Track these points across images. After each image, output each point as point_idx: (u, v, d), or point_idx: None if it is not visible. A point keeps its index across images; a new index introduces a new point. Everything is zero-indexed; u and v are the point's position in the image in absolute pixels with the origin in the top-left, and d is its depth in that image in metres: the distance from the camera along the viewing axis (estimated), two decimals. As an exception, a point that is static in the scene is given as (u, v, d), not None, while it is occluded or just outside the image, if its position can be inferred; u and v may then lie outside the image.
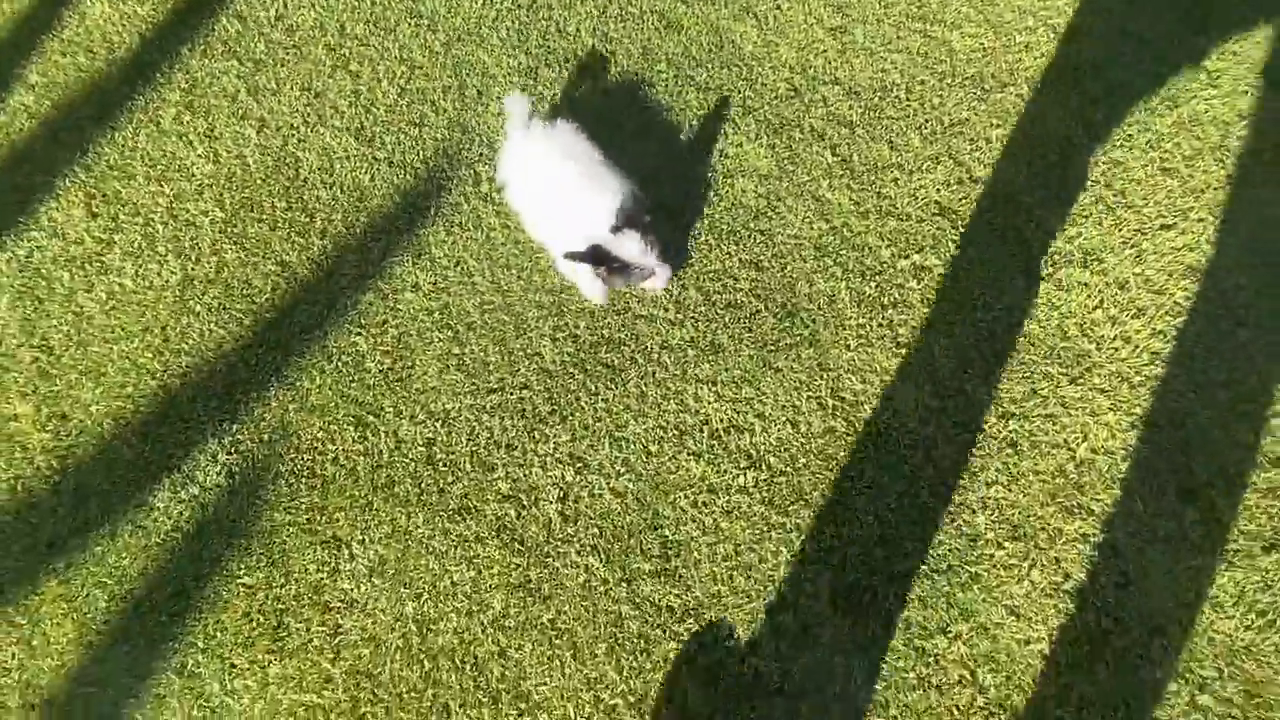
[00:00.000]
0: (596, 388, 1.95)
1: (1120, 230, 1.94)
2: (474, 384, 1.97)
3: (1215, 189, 1.96)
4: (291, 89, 2.27)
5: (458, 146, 2.19)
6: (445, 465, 1.89)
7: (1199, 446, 1.75)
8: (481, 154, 2.17)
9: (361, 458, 1.90)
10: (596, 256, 1.73)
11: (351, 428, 1.93)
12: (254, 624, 1.76)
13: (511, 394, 1.95)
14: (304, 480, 1.87)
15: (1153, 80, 2.09)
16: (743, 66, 2.22)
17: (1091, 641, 1.65)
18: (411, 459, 1.90)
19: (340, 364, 1.98)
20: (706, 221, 2.08)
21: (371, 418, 1.93)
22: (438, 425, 1.92)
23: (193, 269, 2.08)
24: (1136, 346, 1.84)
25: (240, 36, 2.34)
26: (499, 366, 1.97)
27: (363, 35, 2.33)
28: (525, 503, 1.85)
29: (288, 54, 2.31)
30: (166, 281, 2.07)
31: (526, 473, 1.87)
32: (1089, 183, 1.99)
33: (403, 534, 1.82)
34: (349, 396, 1.95)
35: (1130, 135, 2.03)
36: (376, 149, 2.20)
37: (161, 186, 2.18)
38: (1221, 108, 2.04)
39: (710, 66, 2.23)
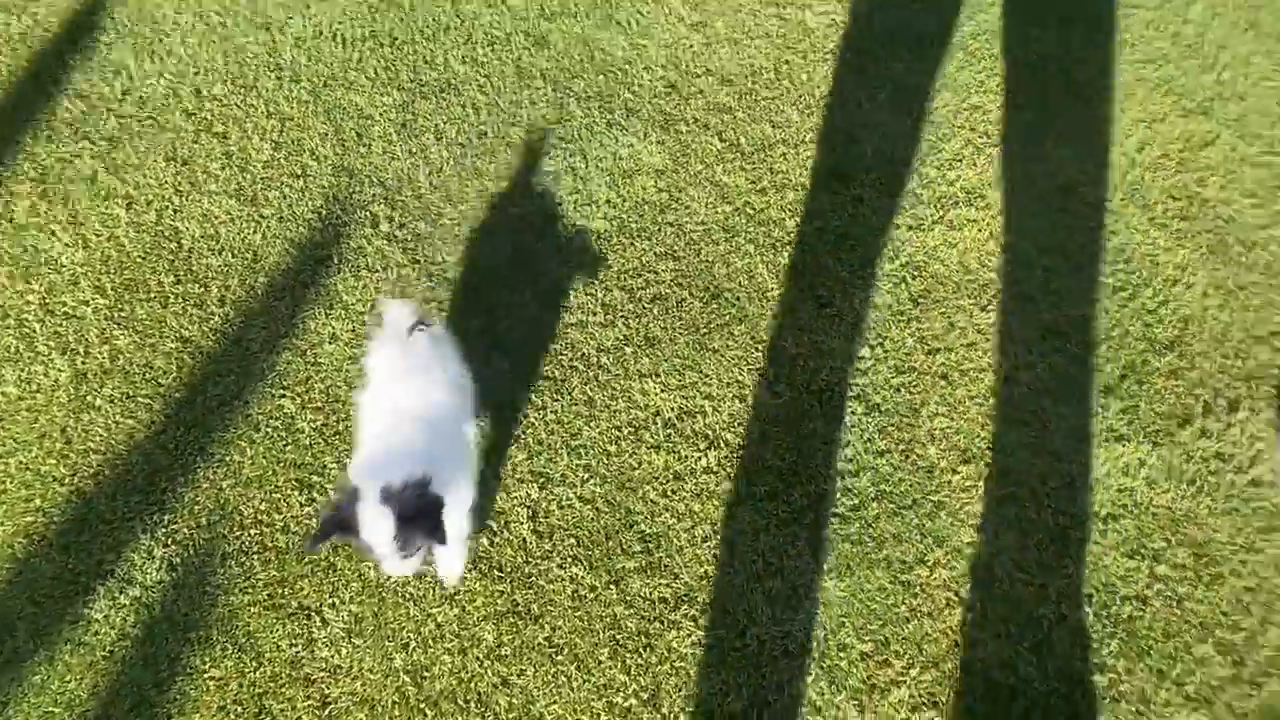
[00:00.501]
0: (543, 401, 1.93)
1: (992, 167, 2.10)
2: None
3: (1065, 116, 2.16)
4: (155, 161, 2.16)
5: (347, 191, 2.14)
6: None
7: (1105, 345, 1.91)
8: (374, 194, 2.13)
9: (313, 520, 1.81)
10: (338, 522, 1.35)
11: (295, 492, 1.83)
12: (232, 717, 1.64)
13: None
14: (255, 556, 1.77)
15: (996, 33, 2.28)
16: (618, 71, 2.28)
17: (1054, 540, 1.76)
18: (366, 510, 1.82)
19: (270, 430, 1.89)
20: (616, 223, 2.11)
21: (315, 477, 1.85)
22: (386, 471, 1.85)
23: (83, 363, 1.93)
24: (1030, 265, 1.99)
25: (86, 116, 2.21)
26: (437, 400, 1.93)
27: (223, 96, 2.25)
28: (496, 528, 1.81)
29: (144, 126, 2.20)
30: (56, 381, 1.91)
31: (491, 499, 1.84)
32: (956, 128, 2.15)
33: (374, 587, 1.75)
34: (286, 461, 1.86)
35: (983, 81, 2.21)
36: (262, 207, 2.12)
37: (29, 284, 2.02)
38: (1056, 48, 2.26)
39: (586, 76, 2.28)
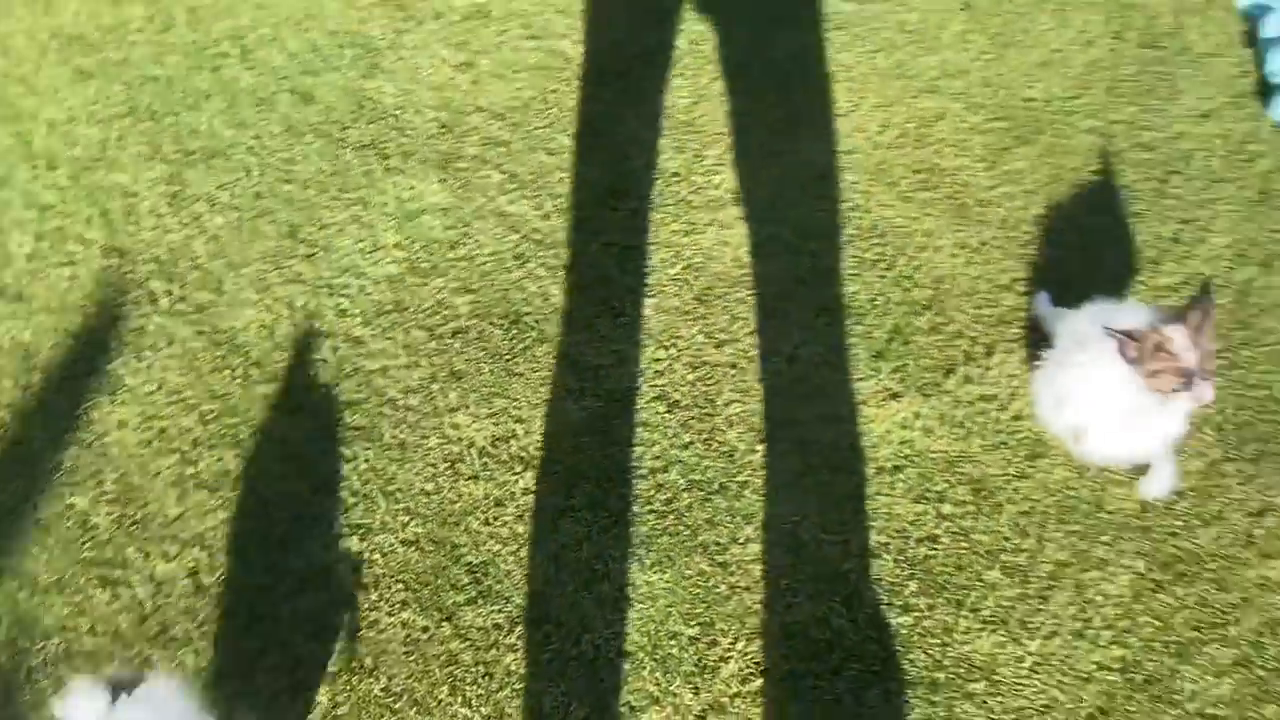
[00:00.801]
0: (353, 452, 1.93)
1: (753, 165, 2.25)
2: (220, 497, 1.88)
3: (811, 110, 2.33)
4: (-98, 269, 2.04)
5: (120, 272, 2.08)
6: (216, 588, 1.78)
7: (872, 314, 2.07)
8: (150, 271, 2.08)
9: (122, 616, 1.74)
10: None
11: (100, 590, 1.76)
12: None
13: (266, 491, 1.88)
14: (64, 664, 1.69)
15: (739, 42, 2.44)
16: (389, 118, 2.31)
17: (850, 499, 1.89)
18: (179, 595, 1.77)
19: (63, 531, 1.81)
20: (407, 265, 2.14)
21: (118, 571, 1.78)
22: (196, 551, 1.81)
23: None
24: (798, 252, 2.14)
25: None
26: (243, 470, 1.90)
27: (-29, 192, 2.14)
28: (319, 587, 1.79)
29: (-116, 233, 2.07)
30: None
31: (308, 561, 1.82)
32: (716, 135, 2.29)
33: (194, 674, 1.70)
34: (85, 560, 1.79)
35: (734, 88, 2.36)
36: (30, 303, 2.03)
37: None
38: (794, 49, 2.44)
39: (358, 125, 2.30)
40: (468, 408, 1.98)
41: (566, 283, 2.12)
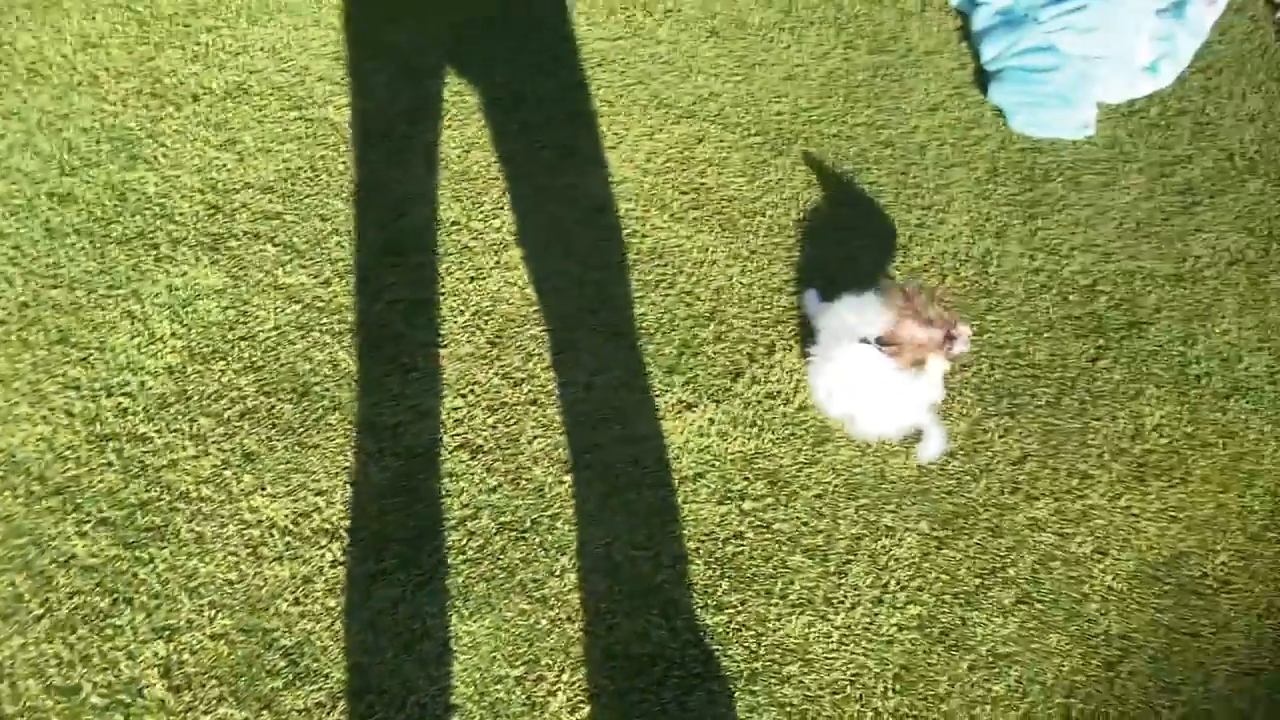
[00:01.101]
0: (149, 555, 1.86)
1: (531, 205, 2.32)
2: (16, 623, 1.78)
3: (582, 145, 2.42)
4: None
5: None
6: (21, 717, 1.68)
7: (660, 333, 2.16)
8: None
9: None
10: None
11: None
12: None
13: (60, 610, 1.79)
14: None
15: (505, 87, 2.51)
16: (155, 207, 2.26)
17: (657, 513, 1.96)
18: (-31, 738, 1.66)
19: None
20: (186, 353, 2.09)
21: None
22: (-14, 687, 1.70)
23: None
24: (583, 282, 2.21)
25: None
26: (35, 591, 1.81)
27: None
28: (128, 701, 1.71)
29: None
30: None
31: (115, 674, 1.74)
32: (491, 180, 2.35)
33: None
34: None
35: (504, 132, 2.43)
36: None
37: None
38: (556, 90, 2.53)
39: (123, 219, 2.23)
40: (264, 489, 1.94)
41: (354, 346, 2.11)
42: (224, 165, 2.32)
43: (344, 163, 2.35)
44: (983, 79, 2.54)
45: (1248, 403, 2.12)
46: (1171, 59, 2.49)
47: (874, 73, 2.56)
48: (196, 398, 2.04)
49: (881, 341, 1.76)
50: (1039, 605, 1.90)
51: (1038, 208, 2.37)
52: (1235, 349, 2.19)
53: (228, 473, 1.96)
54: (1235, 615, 1.89)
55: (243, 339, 2.12)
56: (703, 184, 2.38)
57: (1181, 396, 2.13)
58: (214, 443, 1.99)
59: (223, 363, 2.08)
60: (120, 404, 2.03)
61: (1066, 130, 2.42)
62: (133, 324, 2.12)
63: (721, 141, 2.44)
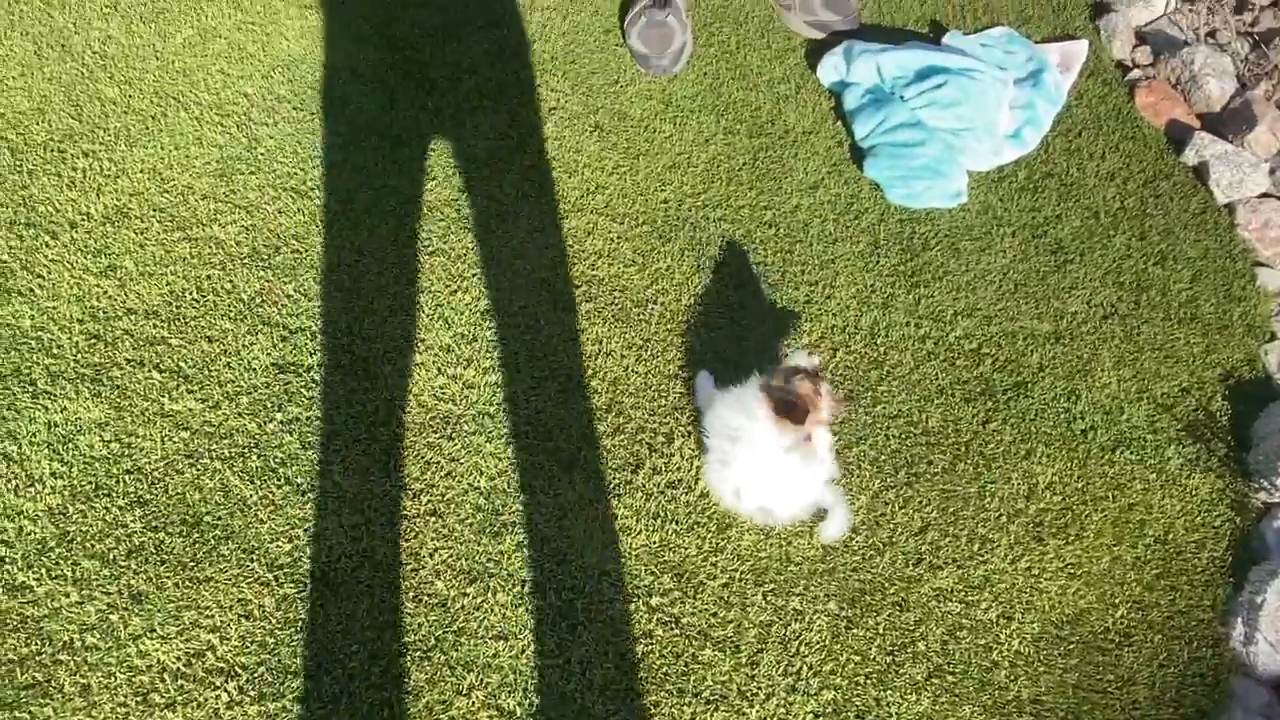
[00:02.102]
0: (30, 714, 1.77)
1: (414, 314, 2.32)
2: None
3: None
4: None
5: None
6: None
7: (559, 430, 2.15)
8: None
9: None
10: None
11: None
12: None
13: (-73, 788, 1.68)
14: None
15: (398, 178, 2.53)
16: (31, 341, 2.20)
17: (563, 617, 1.94)
18: None
19: None
20: (67, 492, 2.01)
21: None
22: None
23: None
24: (476, 387, 2.21)
25: None
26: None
27: None
28: None
29: None
30: None
31: None
32: (381, 286, 2.34)
33: None
34: None
35: (374, 226, 2.44)
36: None
37: None
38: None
39: (-5, 357, 2.17)
40: (154, 630, 1.87)
41: (246, 471, 2.06)
42: (105, 292, 2.28)
43: (231, 282, 2.32)
44: (858, 155, 2.64)
45: (1132, 454, 2.19)
46: (1033, 126, 2.61)
47: (754, 155, 2.64)
48: (79, 539, 1.97)
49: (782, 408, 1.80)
50: (950, 677, 1.90)
51: (920, 276, 2.45)
52: (1116, 401, 2.26)
53: (114, 617, 1.88)
54: (1138, 667, 1.93)
55: (128, 472, 2.05)
56: (594, 276, 2.41)
57: (1070, 453, 2.19)
58: (99, 586, 1.91)
59: (107, 499, 2.01)
60: (-4, 553, 1.94)
61: (941, 200, 2.52)
62: (9, 467, 2.04)
63: (610, 233, 2.48)
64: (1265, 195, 2.56)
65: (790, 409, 1.81)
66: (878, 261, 2.45)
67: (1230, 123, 2.65)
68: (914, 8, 2.93)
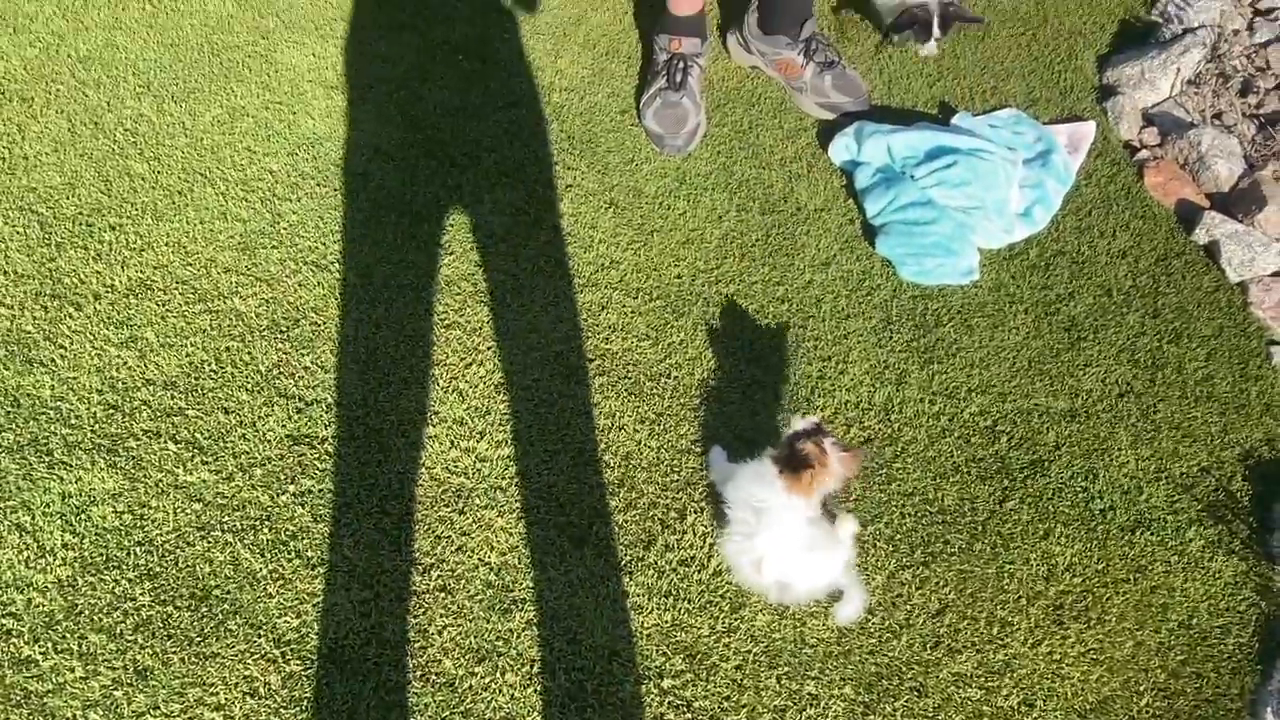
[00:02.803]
0: (25, 796, 1.73)
1: (428, 386, 2.33)
2: None
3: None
4: None
5: None
6: None
7: (571, 504, 2.14)
8: None
9: None
10: None
11: None
12: None
13: None
14: None
15: (414, 252, 2.57)
16: (50, 411, 2.22)
17: (572, 699, 1.90)
18: None
19: None
20: (78, 564, 2.01)
21: None
22: None
23: None
24: (488, 460, 2.20)
25: None
26: None
27: None
28: None
29: None
30: None
31: None
32: (398, 358, 2.36)
33: None
34: None
35: (391, 299, 2.47)
36: None
37: None
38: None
39: (15, 427, 2.19)
40: (157, 708, 1.84)
41: (257, 544, 2.06)
42: (125, 363, 2.31)
43: (249, 353, 2.35)
44: (870, 233, 2.67)
45: (1153, 535, 2.15)
46: (1043, 204, 2.65)
47: (767, 232, 2.68)
48: (87, 612, 1.95)
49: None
50: (970, 767, 1.84)
51: (933, 352, 2.45)
52: (1135, 481, 2.24)
53: (119, 693, 1.86)
54: (1166, 761, 1.86)
55: (139, 544, 2.05)
56: (608, 349, 2.43)
57: (1089, 533, 2.16)
58: (104, 661, 1.90)
59: (117, 572, 2.01)
60: (3, 625, 1.93)
61: (952, 277, 2.54)
62: (21, 537, 2.04)
63: (624, 307, 2.51)
64: (1277, 274, 2.56)
65: (792, 463, 1.81)
66: (890, 338, 2.46)
67: (1239, 202, 2.67)
68: (923, 90, 3.00)
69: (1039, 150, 2.74)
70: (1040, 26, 3.31)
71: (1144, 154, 2.91)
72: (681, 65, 2.83)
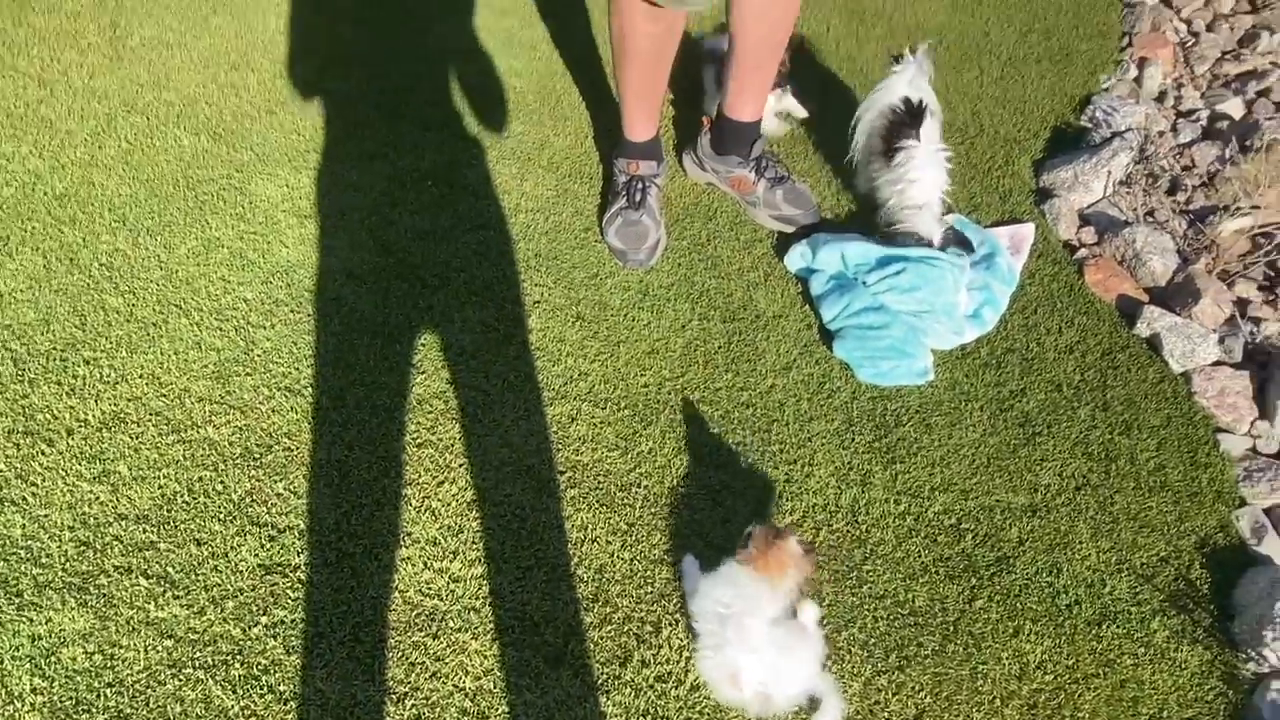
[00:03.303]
0: None
1: (399, 509, 2.36)
2: None
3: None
4: None
5: None
6: None
7: (546, 622, 2.15)
8: None
9: None
10: None
11: None
12: None
13: None
14: None
15: (390, 374, 2.62)
16: (20, 551, 2.22)
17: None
18: None
19: None
20: (46, 710, 1.98)
21: None
22: None
23: None
24: (461, 580, 2.22)
25: None
26: None
27: None
28: None
29: None
30: None
31: None
32: (371, 481, 2.39)
33: None
34: None
35: (364, 421, 2.51)
36: None
37: None
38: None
39: (-17, 567, 2.18)
40: None
41: (229, 680, 2.04)
42: (97, 498, 2.32)
43: (222, 482, 2.37)
44: (827, 337, 2.77)
45: (1119, 627, 2.19)
46: (991, 305, 2.77)
47: (728, 339, 2.77)
48: (54, 761, 1.91)
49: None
50: None
51: (895, 452, 2.52)
52: (1098, 574, 2.29)
53: (82, 847, 1.81)
54: None
55: (109, 686, 2.03)
56: (578, 461, 2.47)
57: (1057, 629, 2.19)
58: (69, 812, 1.85)
59: (87, 715, 1.98)
60: (-33, 779, 1.89)
61: (908, 378, 2.63)
62: (-12, 684, 2.01)
63: (593, 418, 2.57)
64: (1218, 363, 2.67)
65: (748, 547, 1.91)
66: (853, 439, 2.53)
67: (1176, 295, 2.81)
68: (870, 204, 3.16)
69: (983, 253, 2.88)
70: (977, 136, 3.52)
71: (1083, 252, 3.07)
72: (640, 186, 2.97)
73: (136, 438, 2.45)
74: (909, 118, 2.77)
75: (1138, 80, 3.80)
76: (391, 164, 3.27)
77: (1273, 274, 2.96)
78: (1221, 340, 2.74)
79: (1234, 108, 3.63)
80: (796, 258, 2.92)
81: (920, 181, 2.76)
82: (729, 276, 2.97)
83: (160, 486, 2.36)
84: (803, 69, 3.72)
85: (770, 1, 2.64)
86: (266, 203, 3.09)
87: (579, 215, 3.13)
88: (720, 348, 2.76)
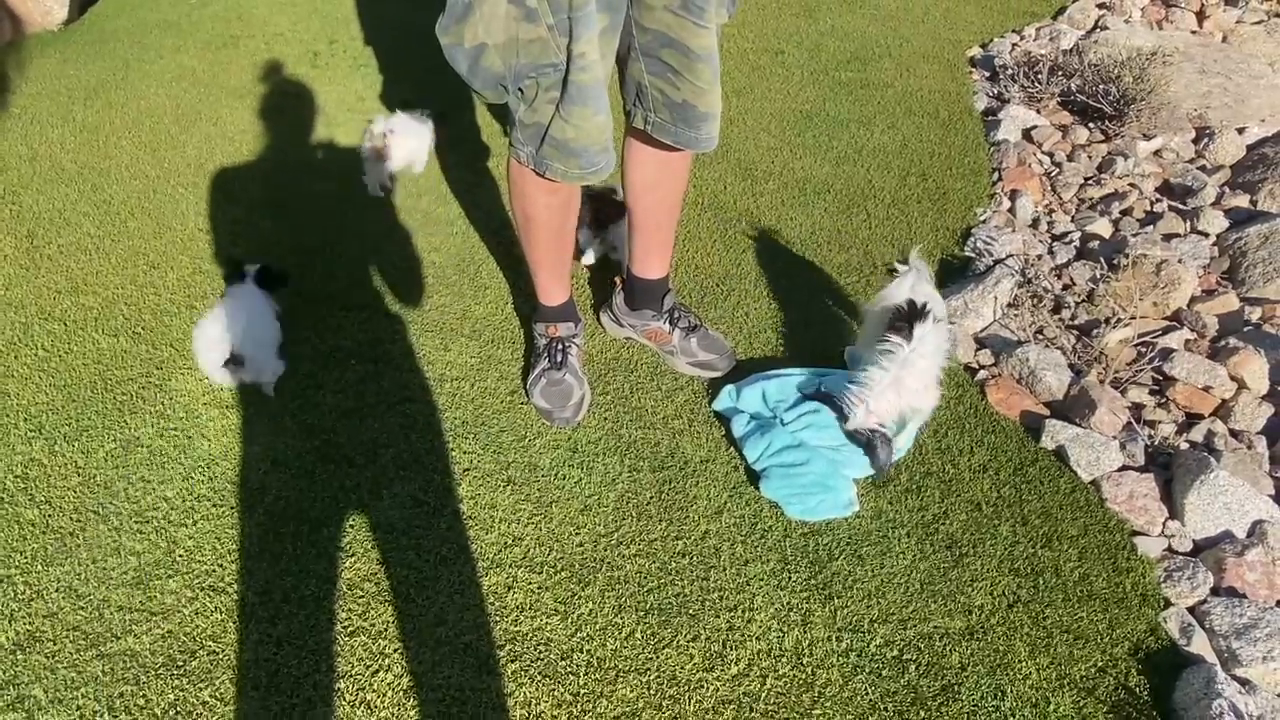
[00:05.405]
0: None
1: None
2: None
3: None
4: None
5: None
6: None
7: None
8: None
9: None
10: None
11: None
12: None
13: None
14: None
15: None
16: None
17: None
18: None
19: None
20: None
21: None
22: None
23: None
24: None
25: None
26: None
27: None
28: None
29: None
30: None
31: None
32: (293, 680, 2.30)
33: None
34: None
35: (292, 614, 2.43)
36: None
37: None
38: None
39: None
40: None
41: None
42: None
43: (145, 696, 2.26)
44: (754, 477, 2.83)
45: (1068, 745, 2.19)
46: (904, 432, 2.88)
47: (659, 489, 2.82)
48: None
49: None
50: None
51: (832, 587, 2.55)
52: (1041, 692, 2.31)
53: None
54: None
55: None
56: (517, 632, 2.44)
57: (1009, 754, 2.18)
58: None
59: None
60: None
61: (835, 510, 2.70)
62: None
63: (530, 584, 2.55)
64: (1124, 468, 2.81)
65: None
66: (789, 578, 2.56)
67: (1075, 407, 2.98)
68: (779, 343, 3.31)
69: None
70: (872, 273, 3.76)
71: (983, 374, 3.24)
72: (560, 346, 3.07)
73: (52, 657, 2.34)
74: (908, 318, 2.73)
75: (1011, 210, 4.13)
76: (313, 345, 3.32)
77: (1160, 378, 3.16)
78: (1123, 446, 2.89)
79: (1102, 227, 3.96)
80: (724, 397, 3.03)
81: (884, 398, 2.71)
82: (654, 426, 3.04)
83: (78, 708, 2.25)
84: (707, 227, 3.96)
85: (659, 173, 2.85)
86: (187, 397, 3.09)
87: (504, 380, 3.21)
88: (652, 498, 2.80)
